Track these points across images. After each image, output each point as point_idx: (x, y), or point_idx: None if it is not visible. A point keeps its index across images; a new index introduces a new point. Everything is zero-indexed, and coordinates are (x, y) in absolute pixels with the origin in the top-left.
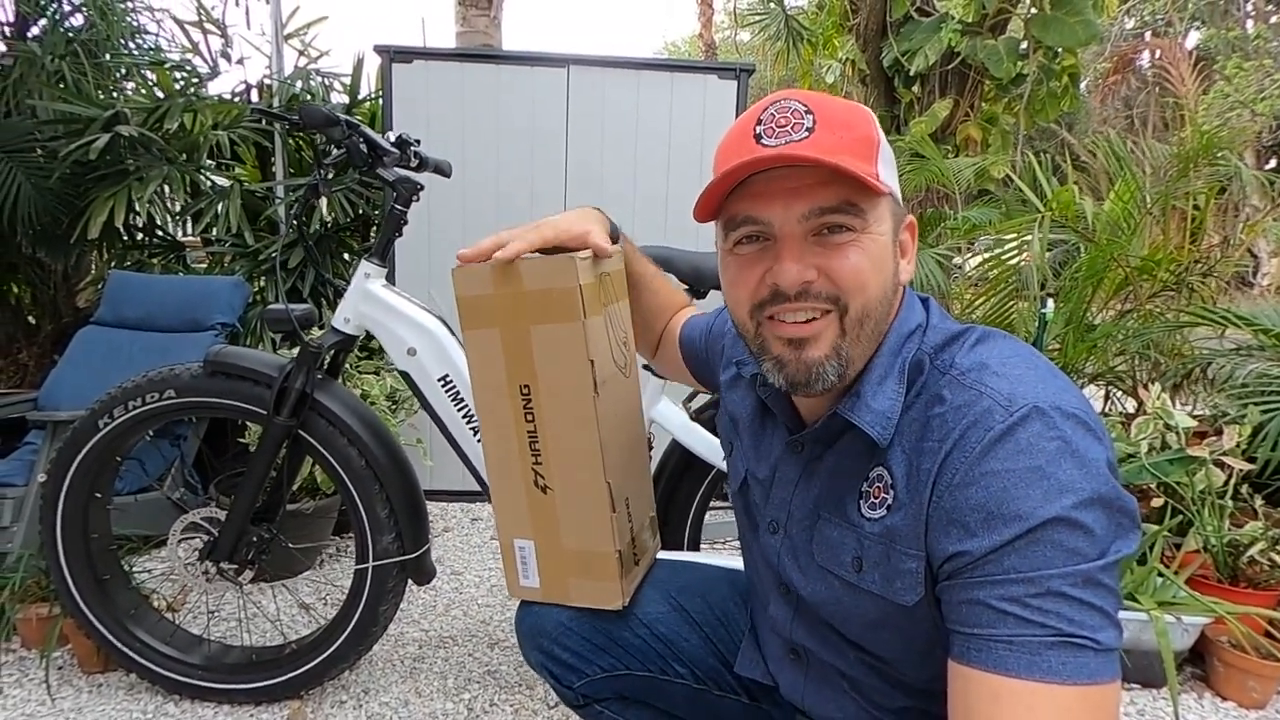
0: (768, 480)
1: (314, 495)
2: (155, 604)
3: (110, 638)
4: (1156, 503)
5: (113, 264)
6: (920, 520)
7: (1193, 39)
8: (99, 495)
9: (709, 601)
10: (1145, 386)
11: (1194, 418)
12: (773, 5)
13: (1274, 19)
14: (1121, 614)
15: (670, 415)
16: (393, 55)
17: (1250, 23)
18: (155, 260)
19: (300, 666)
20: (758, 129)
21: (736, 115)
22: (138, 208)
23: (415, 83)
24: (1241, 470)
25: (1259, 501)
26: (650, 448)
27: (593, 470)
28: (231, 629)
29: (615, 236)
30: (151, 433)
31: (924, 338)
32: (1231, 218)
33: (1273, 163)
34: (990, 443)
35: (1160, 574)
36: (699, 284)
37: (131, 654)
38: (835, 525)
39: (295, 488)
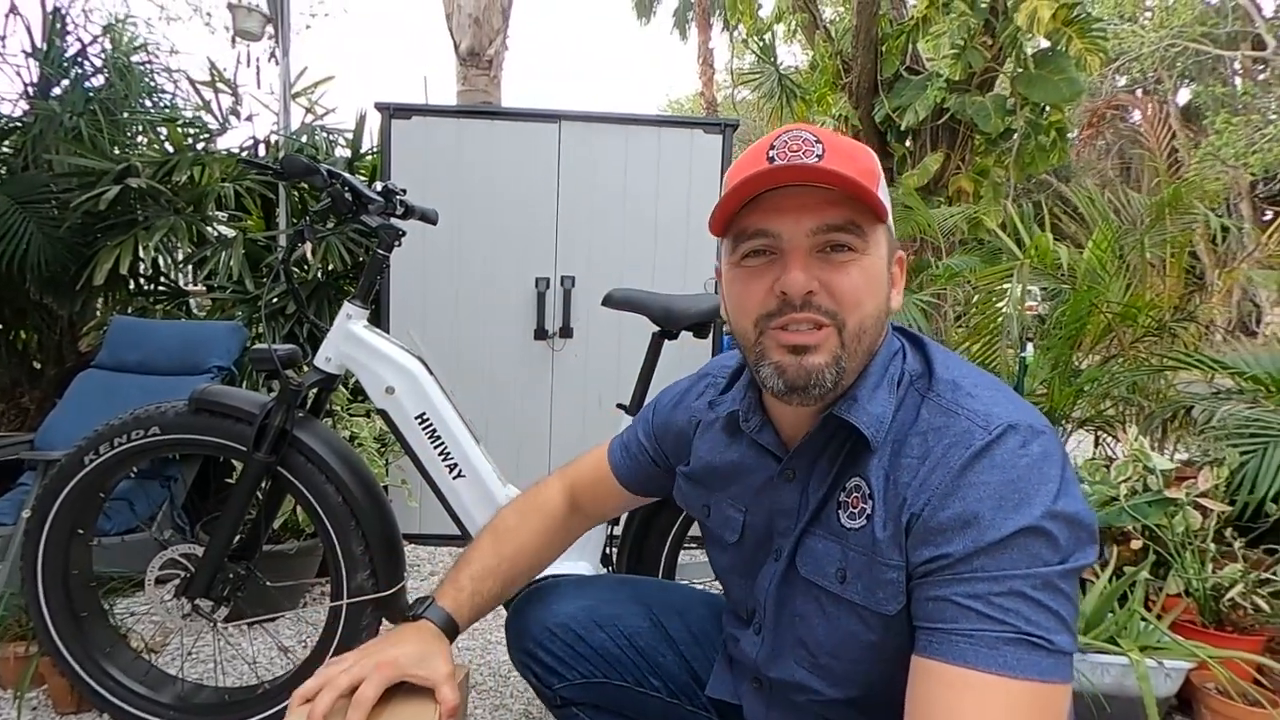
0: (768, 518)
1: (298, 535)
2: (132, 643)
3: (82, 674)
4: (1137, 544)
5: (117, 309)
6: (899, 530)
7: (1184, 95)
8: (81, 531)
9: (686, 621)
10: (1125, 430)
11: (1181, 461)
12: (768, 66)
13: (1260, 76)
14: (1104, 659)
15: None
16: (392, 112)
17: (1238, 80)
18: (159, 306)
19: (272, 706)
20: (771, 153)
21: (722, 167)
22: (143, 255)
23: (413, 138)
24: (1222, 513)
25: (1239, 544)
26: None
27: None
28: (209, 670)
29: (453, 634)
30: (137, 470)
31: (905, 360)
32: (1226, 267)
33: (1269, 214)
34: (971, 458)
35: (1143, 618)
36: (669, 324)
37: (104, 692)
38: (821, 538)
39: (278, 527)
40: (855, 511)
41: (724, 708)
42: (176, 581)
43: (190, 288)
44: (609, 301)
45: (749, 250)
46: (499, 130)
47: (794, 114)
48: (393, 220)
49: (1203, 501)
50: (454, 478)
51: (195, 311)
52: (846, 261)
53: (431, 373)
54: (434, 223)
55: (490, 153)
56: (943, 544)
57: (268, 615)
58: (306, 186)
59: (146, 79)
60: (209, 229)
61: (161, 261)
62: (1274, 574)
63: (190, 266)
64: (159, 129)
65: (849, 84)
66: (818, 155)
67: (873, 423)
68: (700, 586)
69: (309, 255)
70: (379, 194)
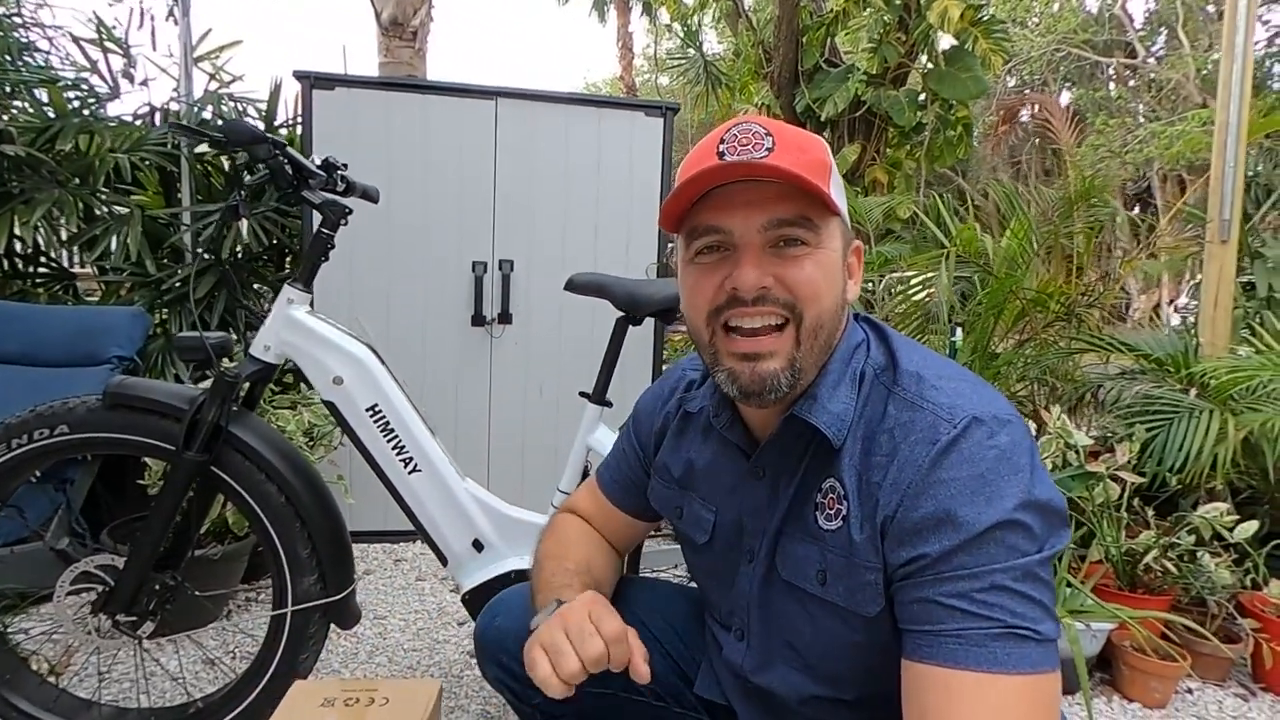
0: (738, 517)
1: (222, 540)
2: (35, 667)
3: None
4: None
5: None
6: (875, 532)
7: (1065, 98)
8: None
9: (670, 619)
10: (1047, 409)
11: (1089, 438)
12: (692, 52)
13: (1131, 83)
14: None
15: (608, 442)
16: (313, 81)
17: (1112, 84)
18: (41, 290)
19: None
20: (721, 147)
21: (662, 150)
22: (21, 233)
23: (337, 110)
24: (1133, 484)
25: (1150, 513)
26: (587, 474)
27: None
28: (125, 691)
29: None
30: (38, 474)
31: (869, 353)
32: (1106, 256)
33: (1135, 209)
34: (938, 454)
35: (1069, 584)
36: (634, 310)
37: None
38: (799, 540)
39: (202, 531)
40: (831, 513)
41: (714, 707)
42: (91, 596)
43: (79, 270)
44: (572, 286)
45: (702, 246)
46: (432, 105)
47: (719, 101)
48: (335, 197)
49: (1119, 474)
50: (409, 473)
51: (84, 296)
52: (800, 255)
53: (382, 361)
54: (375, 200)
55: (423, 129)
56: (919, 544)
57: (193, 626)
58: (213, 161)
59: (15, 34)
60: (99, 204)
61: (43, 239)
62: (1178, 539)
63: (76, 246)
64: (35, 91)
65: (771, 73)
66: (767, 148)
67: (833, 422)
68: (666, 574)
69: (244, 233)
70: (320, 168)
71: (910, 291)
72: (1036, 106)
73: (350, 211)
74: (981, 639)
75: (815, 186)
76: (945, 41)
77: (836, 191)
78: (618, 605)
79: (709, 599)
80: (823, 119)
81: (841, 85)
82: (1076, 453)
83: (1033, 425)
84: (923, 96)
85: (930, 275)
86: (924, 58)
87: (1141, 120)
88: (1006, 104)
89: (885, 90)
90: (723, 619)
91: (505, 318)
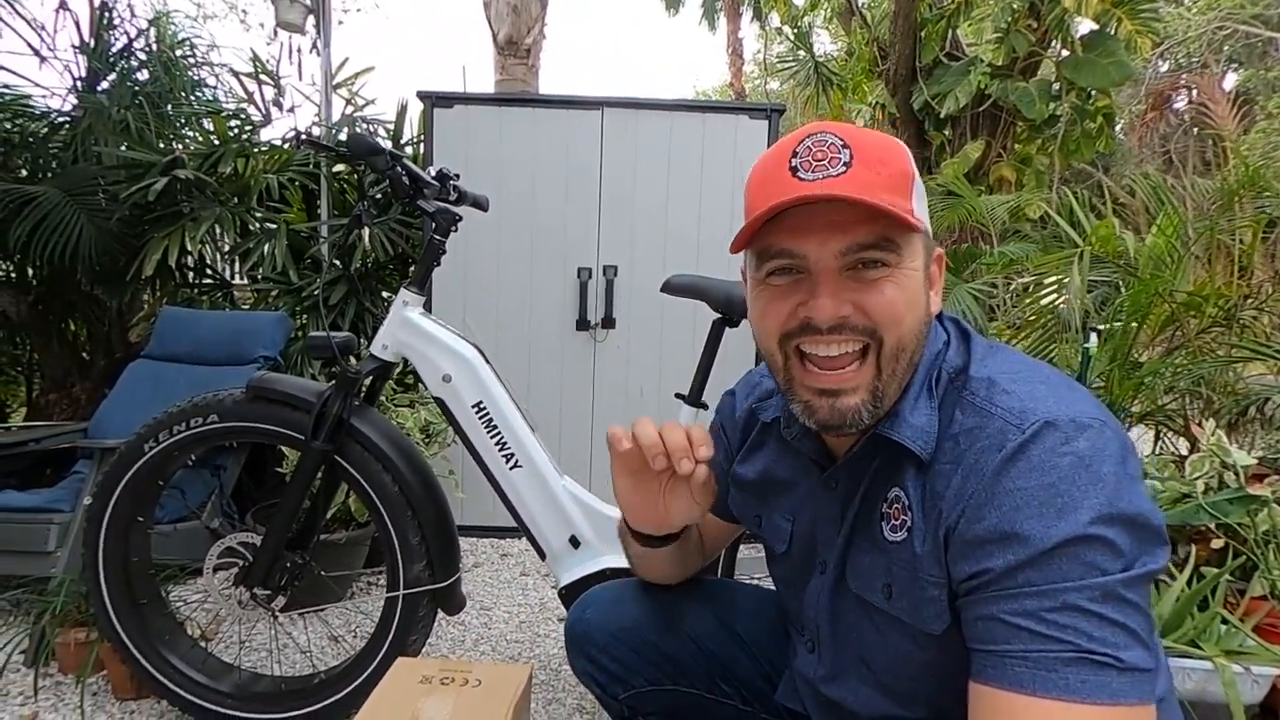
0: (812, 527)
1: (347, 525)
2: (189, 631)
3: (143, 661)
4: (1217, 544)
5: (165, 301)
6: (939, 544)
7: (1230, 80)
8: (141, 519)
9: (760, 625)
10: (1200, 424)
11: (1253, 458)
12: (802, 54)
13: None
14: (1185, 662)
15: None
16: (435, 100)
17: None
18: (204, 297)
19: (328, 697)
20: (794, 161)
21: None
22: (190, 247)
23: (456, 125)
24: None
25: None
26: None
27: None
28: (262, 659)
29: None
30: (194, 458)
31: (946, 357)
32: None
33: None
34: (1004, 462)
35: (1225, 620)
36: (731, 312)
37: (163, 679)
38: (867, 552)
39: (329, 517)
40: (897, 524)
41: (797, 715)
42: (234, 570)
43: (235, 281)
44: (669, 288)
45: (774, 269)
46: (541, 118)
47: (829, 102)
48: (447, 205)
49: None
50: (511, 468)
51: (238, 303)
52: (880, 278)
53: (488, 361)
54: (485, 209)
55: (532, 141)
56: (982, 558)
57: (320, 604)
58: (348, 179)
59: (190, 73)
60: (252, 220)
61: (207, 253)
62: None
63: (234, 258)
64: (204, 121)
65: (886, 71)
66: (844, 163)
67: (918, 435)
68: (760, 580)
69: (366, 241)
70: (434, 178)
71: (1037, 296)
72: (1194, 91)
73: (460, 219)
74: (1051, 663)
75: (898, 214)
76: (1083, 26)
77: (919, 202)
78: (708, 607)
79: (786, 607)
80: (942, 115)
81: (964, 79)
82: (1236, 473)
83: (1184, 444)
84: (1056, 86)
85: (1062, 278)
86: (1058, 44)
87: None
88: (1158, 88)
89: (1013, 82)
90: (796, 628)
91: (609, 322)
